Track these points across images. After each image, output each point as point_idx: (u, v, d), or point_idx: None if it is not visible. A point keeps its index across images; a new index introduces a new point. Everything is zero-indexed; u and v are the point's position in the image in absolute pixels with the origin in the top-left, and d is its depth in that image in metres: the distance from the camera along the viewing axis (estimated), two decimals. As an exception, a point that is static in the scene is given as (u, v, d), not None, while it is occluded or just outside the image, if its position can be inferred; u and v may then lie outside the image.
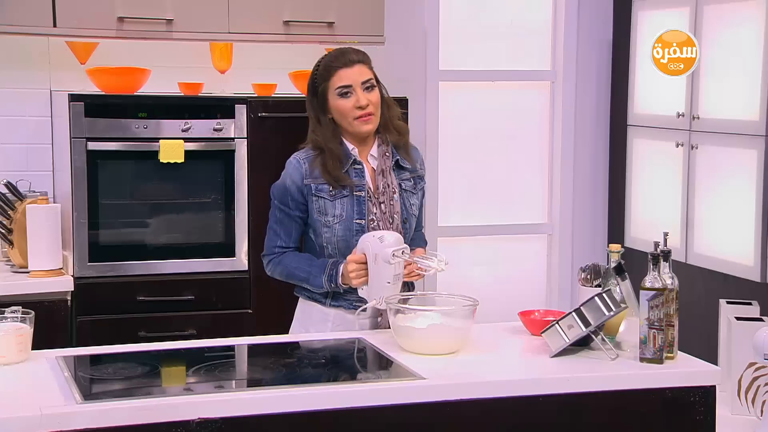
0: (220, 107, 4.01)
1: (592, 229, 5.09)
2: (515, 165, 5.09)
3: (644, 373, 2.65)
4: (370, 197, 3.03)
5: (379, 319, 3.04)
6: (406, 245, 2.93)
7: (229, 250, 4.01)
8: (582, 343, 2.77)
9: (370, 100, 3.01)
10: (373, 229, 3.01)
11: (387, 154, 3.08)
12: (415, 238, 3.18)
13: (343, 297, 3.04)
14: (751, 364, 3.08)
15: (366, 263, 2.92)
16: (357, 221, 3.02)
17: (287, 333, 3.12)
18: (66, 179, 3.92)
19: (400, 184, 3.08)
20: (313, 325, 3.09)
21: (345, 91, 3.00)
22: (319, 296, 3.07)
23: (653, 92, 4.49)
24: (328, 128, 3.04)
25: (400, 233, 3.03)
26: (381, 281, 2.90)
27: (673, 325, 2.73)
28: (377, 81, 3.06)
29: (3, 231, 3.93)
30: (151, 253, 3.95)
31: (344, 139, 3.05)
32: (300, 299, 3.15)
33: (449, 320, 2.77)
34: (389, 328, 2.85)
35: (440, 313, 2.80)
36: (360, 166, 3.04)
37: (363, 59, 3.04)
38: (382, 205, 3.04)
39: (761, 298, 3.78)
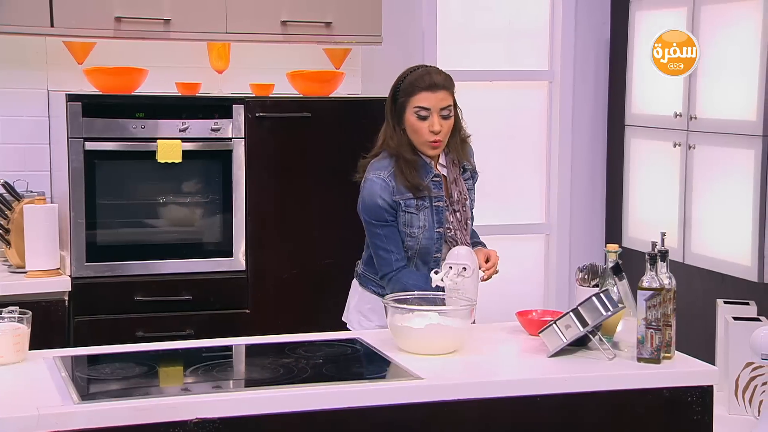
0: (217, 107, 4.00)
1: (589, 229, 5.09)
2: (513, 165, 5.09)
3: (642, 373, 2.65)
4: (447, 207, 3.17)
5: None
6: (463, 264, 2.98)
7: (226, 250, 4.01)
8: (579, 343, 2.77)
9: (443, 126, 3.13)
10: (451, 237, 3.17)
11: (455, 162, 3.23)
12: (473, 235, 3.31)
13: None
14: (749, 364, 3.08)
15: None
16: (437, 230, 3.16)
17: (285, 333, 3.11)
18: (63, 179, 3.91)
19: (466, 187, 3.24)
20: (374, 311, 3.21)
21: (423, 114, 3.12)
22: (383, 290, 3.19)
23: (651, 92, 4.49)
24: (402, 138, 3.17)
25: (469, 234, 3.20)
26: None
27: (670, 325, 2.73)
28: (455, 105, 3.18)
29: (0, 231, 3.93)
30: (149, 253, 3.94)
31: (419, 153, 3.18)
32: (354, 286, 3.29)
33: (447, 320, 2.78)
34: None
35: (438, 313, 2.80)
36: (438, 178, 3.18)
37: (447, 85, 3.16)
38: (458, 214, 3.19)
39: (758, 297, 3.78)
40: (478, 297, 2.99)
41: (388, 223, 3.15)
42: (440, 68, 3.21)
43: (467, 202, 3.22)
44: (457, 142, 3.22)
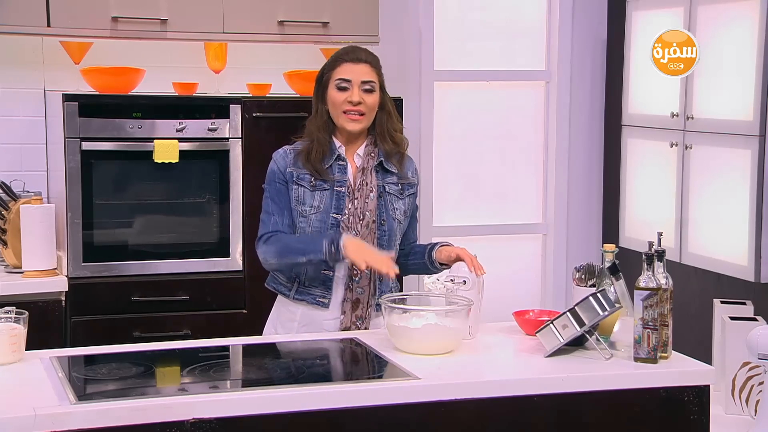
0: (214, 107, 4.00)
1: (586, 228, 5.10)
2: (510, 165, 5.09)
3: (638, 373, 2.66)
4: (349, 194, 3.05)
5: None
6: (464, 277, 2.94)
7: (223, 250, 4.01)
8: (576, 343, 2.77)
9: (365, 100, 3.03)
10: (344, 225, 3.02)
11: (372, 154, 3.09)
12: (417, 251, 3.18)
13: (308, 291, 3.06)
14: (745, 364, 3.08)
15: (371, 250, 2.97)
16: (333, 215, 3.04)
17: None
18: (60, 179, 3.91)
19: (383, 186, 3.09)
20: (281, 324, 3.12)
21: (343, 85, 3.04)
22: (285, 289, 3.09)
23: (647, 92, 4.49)
24: (321, 118, 3.08)
25: (373, 233, 3.04)
26: None
27: (667, 325, 2.73)
28: (381, 88, 3.09)
29: (-3, 231, 3.93)
30: (146, 254, 3.94)
31: (334, 136, 3.09)
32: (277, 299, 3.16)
33: (444, 320, 2.78)
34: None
35: (435, 313, 2.80)
36: (344, 163, 3.07)
37: (371, 60, 3.08)
38: (356, 201, 3.05)
39: (755, 297, 3.78)
40: (480, 312, 2.95)
41: (277, 185, 3.05)
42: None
43: (372, 194, 3.05)
44: (384, 132, 3.09)
